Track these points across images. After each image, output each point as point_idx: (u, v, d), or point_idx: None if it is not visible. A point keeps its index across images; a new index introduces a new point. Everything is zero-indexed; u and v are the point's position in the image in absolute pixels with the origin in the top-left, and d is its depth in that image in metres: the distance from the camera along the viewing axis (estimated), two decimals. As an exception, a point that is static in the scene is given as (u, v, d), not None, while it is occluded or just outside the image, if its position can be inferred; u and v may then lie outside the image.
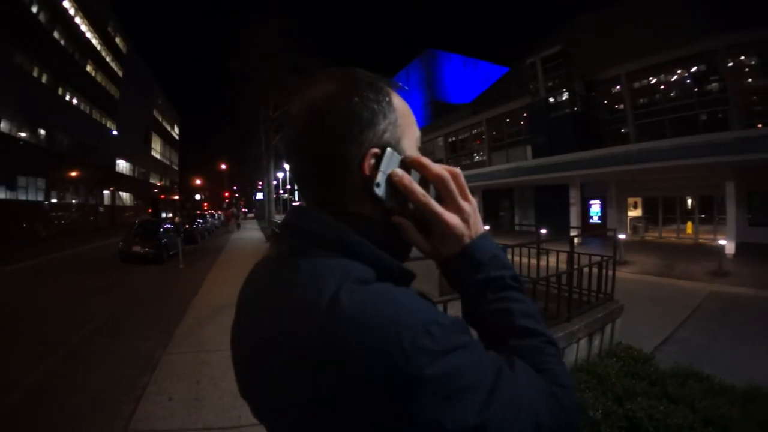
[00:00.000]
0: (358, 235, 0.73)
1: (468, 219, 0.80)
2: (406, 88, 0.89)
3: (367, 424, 0.58)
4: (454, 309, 4.24)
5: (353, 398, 0.58)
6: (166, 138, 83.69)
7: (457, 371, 0.59)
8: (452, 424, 0.57)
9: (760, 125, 19.50)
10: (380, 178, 0.74)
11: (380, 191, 0.74)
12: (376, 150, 0.75)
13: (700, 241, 21.24)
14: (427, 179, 0.80)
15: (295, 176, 0.84)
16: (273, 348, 0.67)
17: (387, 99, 0.79)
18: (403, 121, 0.80)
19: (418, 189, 0.76)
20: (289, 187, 57.61)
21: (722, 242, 14.88)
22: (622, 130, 26.37)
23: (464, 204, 0.80)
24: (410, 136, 0.82)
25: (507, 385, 0.63)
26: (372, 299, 0.63)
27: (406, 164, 0.78)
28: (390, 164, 0.75)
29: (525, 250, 7.22)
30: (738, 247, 16.37)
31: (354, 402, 0.58)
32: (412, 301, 0.64)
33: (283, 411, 0.68)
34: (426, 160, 0.78)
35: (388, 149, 0.75)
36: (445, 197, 0.79)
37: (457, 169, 0.81)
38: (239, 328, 0.82)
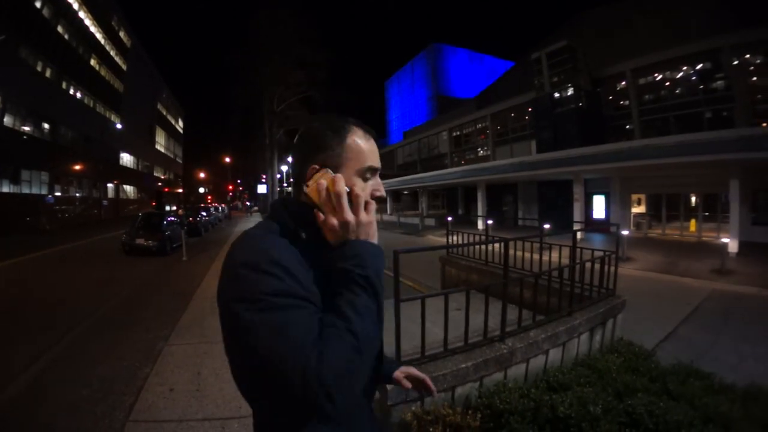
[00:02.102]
0: (283, 209, 1.22)
1: (347, 226, 1.10)
2: (372, 132, 1.29)
3: (223, 293, 1.04)
4: (457, 302, 4.26)
5: (223, 272, 1.06)
6: (170, 131, 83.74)
7: (251, 283, 0.97)
8: (236, 305, 0.98)
9: (765, 124, 19.49)
10: (310, 183, 1.16)
11: (307, 189, 1.17)
12: (315, 166, 1.19)
13: (704, 239, 21.17)
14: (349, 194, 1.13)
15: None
16: None
17: (339, 139, 1.20)
18: (347, 155, 1.20)
19: (323, 197, 1.12)
20: (292, 180, 58.28)
21: (725, 240, 14.81)
22: (627, 127, 26.36)
23: (348, 216, 1.10)
24: (350, 167, 1.19)
25: (284, 316, 0.95)
26: (252, 236, 1.12)
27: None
28: (321, 178, 1.15)
29: (528, 245, 7.22)
30: (741, 245, 16.30)
31: (222, 276, 1.06)
32: (267, 243, 1.07)
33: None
34: (338, 186, 1.10)
35: (324, 169, 1.17)
36: (336, 208, 1.11)
37: (360, 192, 1.14)
38: None
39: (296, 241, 1.12)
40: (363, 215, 1.12)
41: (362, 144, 1.23)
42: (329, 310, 1.02)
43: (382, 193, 1.27)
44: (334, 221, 1.10)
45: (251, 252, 1.04)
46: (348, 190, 1.13)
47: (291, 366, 0.89)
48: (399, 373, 1.69)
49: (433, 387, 1.70)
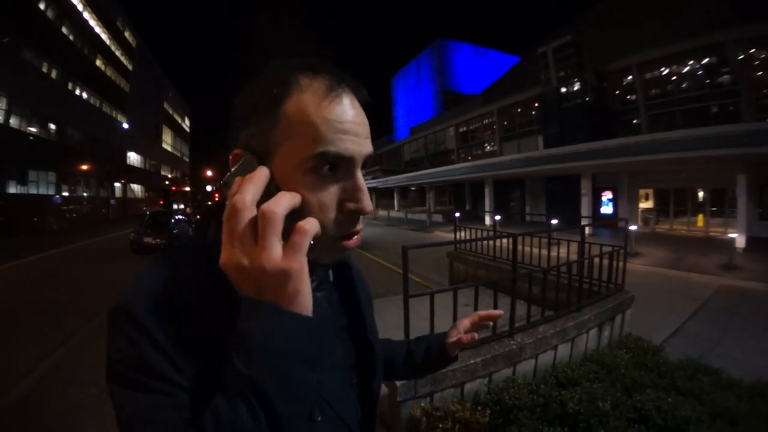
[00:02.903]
0: (208, 219, 0.79)
1: (243, 272, 0.59)
2: (349, 85, 0.76)
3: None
4: (465, 298, 4.26)
5: None
6: (177, 130, 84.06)
7: (108, 340, 0.70)
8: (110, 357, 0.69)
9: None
10: (228, 178, 0.68)
11: (226, 191, 0.66)
12: (237, 151, 0.72)
13: (711, 234, 21.07)
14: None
15: None
16: None
17: (271, 102, 0.70)
18: (282, 132, 0.69)
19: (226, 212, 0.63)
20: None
21: (733, 236, 14.75)
22: (634, 121, 26.22)
23: (238, 255, 0.59)
24: (287, 153, 0.69)
25: (132, 398, 0.65)
26: (136, 272, 0.74)
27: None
28: (245, 170, 0.67)
29: (536, 240, 7.24)
30: (748, 241, 16.21)
31: None
32: (135, 289, 0.70)
33: None
34: (239, 197, 0.60)
35: (247, 155, 0.70)
36: (230, 236, 0.61)
37: (275, 208, 0.59)
38: None
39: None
40: (270, 256, 0.58)
41: (316, 109, 0.69)
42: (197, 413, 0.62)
43: (360, 205, 0.74)
44: (223, 256, 0.61)
45: (118, 297, 0.70)
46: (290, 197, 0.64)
47: None
48: (452, 339, 1.24)
49: (493, 313, 1.25)
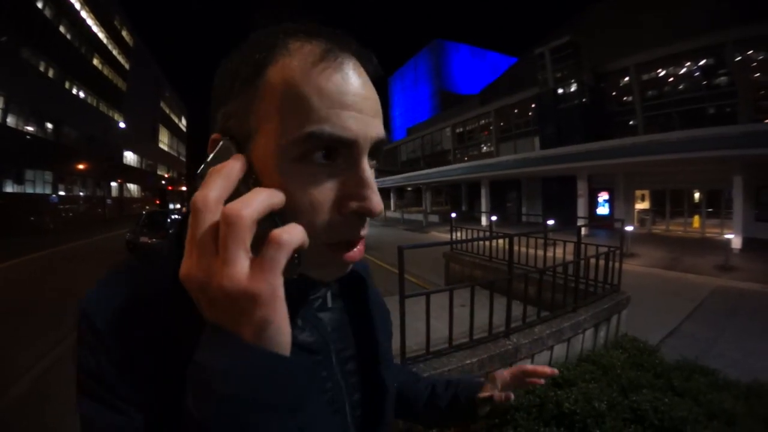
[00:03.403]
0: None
1: (203, 290, 0.45)
2: (350, 49, 0.60)
3: None
4: (462, 298, 4.25)
5: None
6: (174, 130, 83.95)
7: (77, 346, 0.56)
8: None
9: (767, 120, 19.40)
10: (202, 170, 0.53)
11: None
12: (215, 136, 0.57)
13: (707, 235, 21.11)
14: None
15: None
16: None
17: (252, 72, 0.56)
18: (267, 107, 0.54)
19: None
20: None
21: (729, 237, 14.79)
22: (631, 122, 26.27)
23: (194, 268, 0.45)
24: (270, 133, 0.54)
25: (92, 410, 0.54)
26: (102, 278, 0.62)
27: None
28: (222, 159, 0.53)
29: (532, 241, 7.23)
30: (745, 242, 16.26)
31: None
32: (99, 297, 0.59)
33: None
34: (201, 193, 0.47)
35: (224, 141, 0.55)
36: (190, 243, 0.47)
37: (241, 210, 0.44)
38: None
39: None
40: (231, 273, 0.43)
41: (305, 76, 0.54)
42: None
43: (367, 204, 0.56)
44: (183, 267, 0.47)
45: (81, 305, 0.58)
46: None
47: None
48: (485, 395, 1.07)
49: (540, 370, 1.08)
